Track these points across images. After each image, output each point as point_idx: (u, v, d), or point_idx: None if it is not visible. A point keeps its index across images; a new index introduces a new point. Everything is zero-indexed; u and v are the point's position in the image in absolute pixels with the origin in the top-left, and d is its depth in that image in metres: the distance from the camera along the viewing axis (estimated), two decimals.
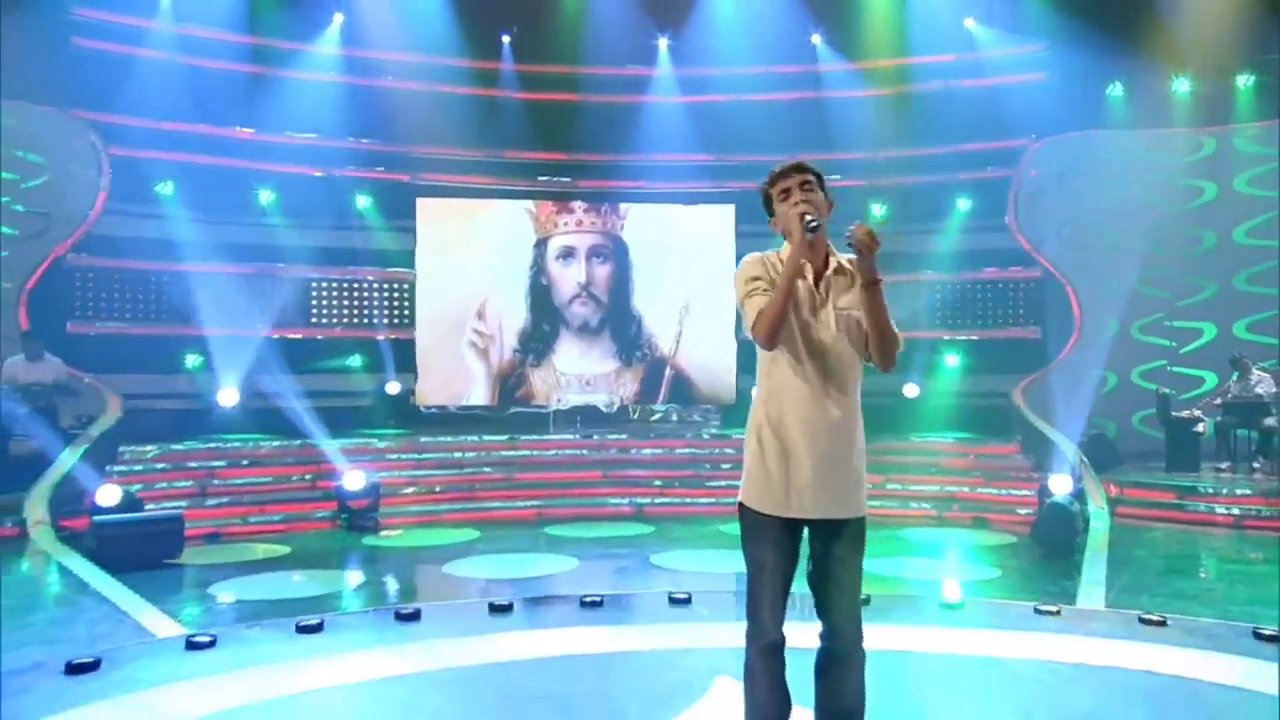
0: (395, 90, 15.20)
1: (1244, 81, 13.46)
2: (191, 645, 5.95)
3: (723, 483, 13.19)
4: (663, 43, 15.71)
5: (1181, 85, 13.78)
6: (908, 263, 15.29)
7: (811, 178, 3.68)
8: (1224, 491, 11.13)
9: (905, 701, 4.99)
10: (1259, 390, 11.88)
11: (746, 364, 15.37)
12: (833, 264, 3.66)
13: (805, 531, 3.72)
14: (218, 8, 14.06)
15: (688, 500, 12.96)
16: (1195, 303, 13.93)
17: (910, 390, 14.46)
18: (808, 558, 3.74)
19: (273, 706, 4.91)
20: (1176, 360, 13.92)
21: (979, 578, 9.44)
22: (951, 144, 14.97)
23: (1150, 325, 14.13)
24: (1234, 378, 12.21)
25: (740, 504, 3.76)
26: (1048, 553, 10.01)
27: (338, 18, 14.70)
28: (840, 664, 3.67)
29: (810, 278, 3.62)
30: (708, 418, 16.10)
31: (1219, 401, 12.20)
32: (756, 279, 3.61)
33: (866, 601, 6.55)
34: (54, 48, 13.05)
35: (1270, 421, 11.84)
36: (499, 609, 6.79)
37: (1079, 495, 11.12)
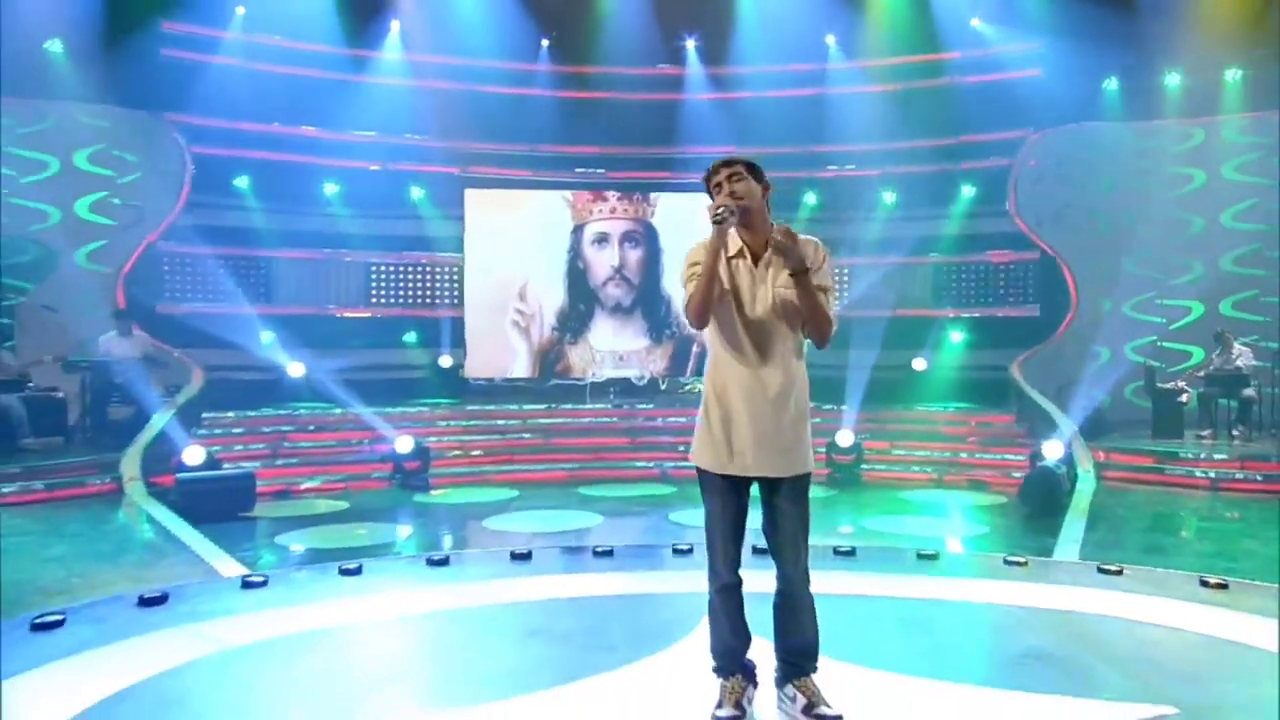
0: (446, 91, 15.29)
1: (1232, 76, 13.41)
2: (247, 584, 6.13)
3: None
4: (690, 44, 15.69)
5: (1173, 79, 13.76)
6: (916, 246, 15.51)
7: (740, 169, 3.75)
8: (1202, 456, 11.15)
9: (868, 638, 5.01)
10: (1239, 363, 11.95)
11: None
12: (774, 234, 3.71)
13: (755, 487, 3.84)
14: (286, 19, 14.24)
15: None
16: (1184, 282, 13.93)
17: (918, 364, 14.50)
18: (767, 519, 3.85)
19: (311, 637, 5.05)
20: (1166, 336, 13.91)
21: (968, 534, 9.52)
22: (956, 135, 15.01)
23: (1142, 303, 14.12)
24: (1217, 351, 12.23)
25: (695, 465, 3.90)
26: (1034, 512, 10.02)
27: (395, 25, 14.86)
28: (790, 606, 3.77)
29: (749, 259, 3.74)
30: None
31: (1202, 374, 12.22)
32: (695, 264, 3.73)
33: (852, 553, 6.80)
34: (144, 58, 13.25)
35: (1248, 392, 11.92)
36: (519, 556, 6.86)
37: (1068, 460, 11.08)
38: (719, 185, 3.70)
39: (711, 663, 3.77)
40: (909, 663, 4.49)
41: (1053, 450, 11.03)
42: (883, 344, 14.70)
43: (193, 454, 10.12)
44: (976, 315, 15.20)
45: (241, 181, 14.51)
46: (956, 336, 14.90)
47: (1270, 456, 10.76)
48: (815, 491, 12.77)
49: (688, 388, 15.94)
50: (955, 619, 5.52)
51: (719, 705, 3.65)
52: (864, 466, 12.27)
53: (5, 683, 4.24)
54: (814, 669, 3.75)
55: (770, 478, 3.75)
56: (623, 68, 15.62)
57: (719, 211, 3.51)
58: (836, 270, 16.15)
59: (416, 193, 15.47)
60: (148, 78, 13.34)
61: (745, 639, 3.78)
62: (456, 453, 12.77)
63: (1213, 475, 10.79)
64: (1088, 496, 10.36)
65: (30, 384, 11.44)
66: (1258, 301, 13.37)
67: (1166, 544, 8.59)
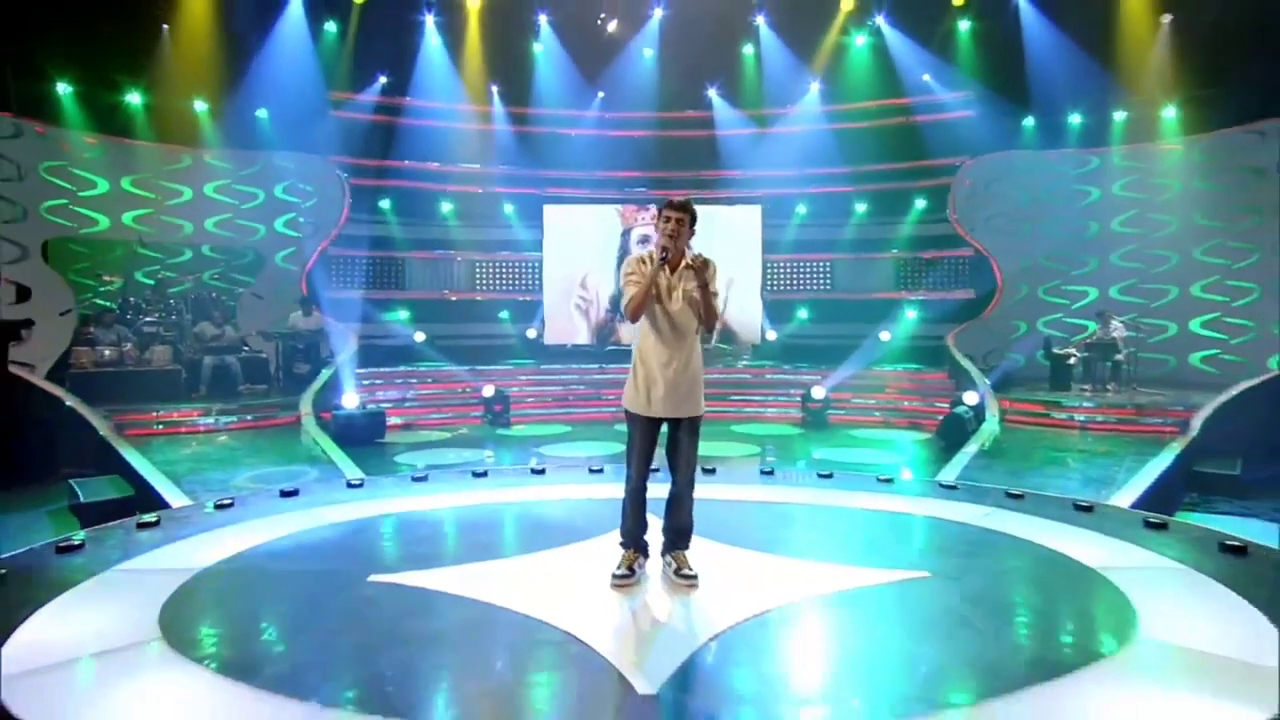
0: (530, 134, 15.40)
1: (1118, 116, 13.27)
2: (350, 485, 6.25)
3: (741, 398, 13.27)
4: (712, 91, 15.63)
5: (1075, 119, 13.62)
6: (882, 245, 15.52)
7: (684, 218, 3.96)
8: (1077, 404, 11.08)
9: (749, 529, 4.94)
10: (1114, 335, 11.90)
11: (771, 320, 15.69)
12: (686, 261, 3.97)
13: (664, 426, 4.07)
14: (415, 84, 14.49)
15: (719, 410, 12.51)
16: (1083, 273, 13.85)
17: (884, 335, 14.36)
18: (664, 441, 4.12)
19: (385, 519, 5.18)
20: (1069, 314, 13.80)
21: (887, 461, 9.42)
22: (910, 160, 14.91)
23: (1051, 289, 14.06)
24: (1099, 325, 12.13)
25: (624, 408, 4.12)
26: (946, 445, 9.97)
27: (494, 88, 15.07)
28: (676, 502, 4.01)
29: (669, 270, 3.95)
30: (739, 353, 15.65)
31: (1086, 342, 12.13)
32: (631, 274, 3.94)
33: (830, 476, 6.62)
34: (318, 118, 13.85)
35: (1119, 357, 11.87)
36: (537, 471, 6.82)
37: (980, 407, 11.01)
38: (668, 219, 3.93)
39: (619, 539, 4.04)
40: (767, 545, 4.54)
41: (969, 399, 10.96)
42: (855, 319, 14.82)
43: (348, 399, 10.44)
44: (925, 298, 15.14)
45: (384, 203, 14.98)
46: (911, 314, 14.82)
47: (1126, 405, 10.73)
48: (790, 430, 13.29)
49: (708, 348, 16.00)
50: (830, 519, 5.36)
51: (618, 566, 3.92)
52: (830, 412, 12.50)
53: (194, 538, 4.60)
54: (686, 545, 4.00)
55: (673, 418, 4.02)
56: (660, 113, 15.58)
57: (664, 252, 3.87)
58: (824, 265, 16.54)
59: (508, 209, 15.66)
60: (320, 131, 13.85)
61: (643, 526, 4.02)
62: (531, 399, 12.97)
63: (1081, 419, 10.67)
64: (985, 434, 10.28)
65: (245, 349, 11.92)
66: (1137, 287, 13.32)
67: (1024, 468, 8.47)
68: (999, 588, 3.94)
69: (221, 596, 3.71)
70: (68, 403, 8.89)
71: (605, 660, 2.99)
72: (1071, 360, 12.21)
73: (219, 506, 5.26)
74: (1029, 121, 14.12)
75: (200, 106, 12.92)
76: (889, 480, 6.41)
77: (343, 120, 14.28)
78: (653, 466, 4.08)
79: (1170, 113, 12.78)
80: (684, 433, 4.02)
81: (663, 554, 4.04)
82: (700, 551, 4.10)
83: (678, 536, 3.99)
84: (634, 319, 3.97)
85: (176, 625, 3.25)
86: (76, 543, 4.24)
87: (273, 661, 3.00)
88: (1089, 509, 5.31)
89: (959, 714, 2.62)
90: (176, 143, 12.77)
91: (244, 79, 12.85)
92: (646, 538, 4.04)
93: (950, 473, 8.20)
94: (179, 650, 3.02)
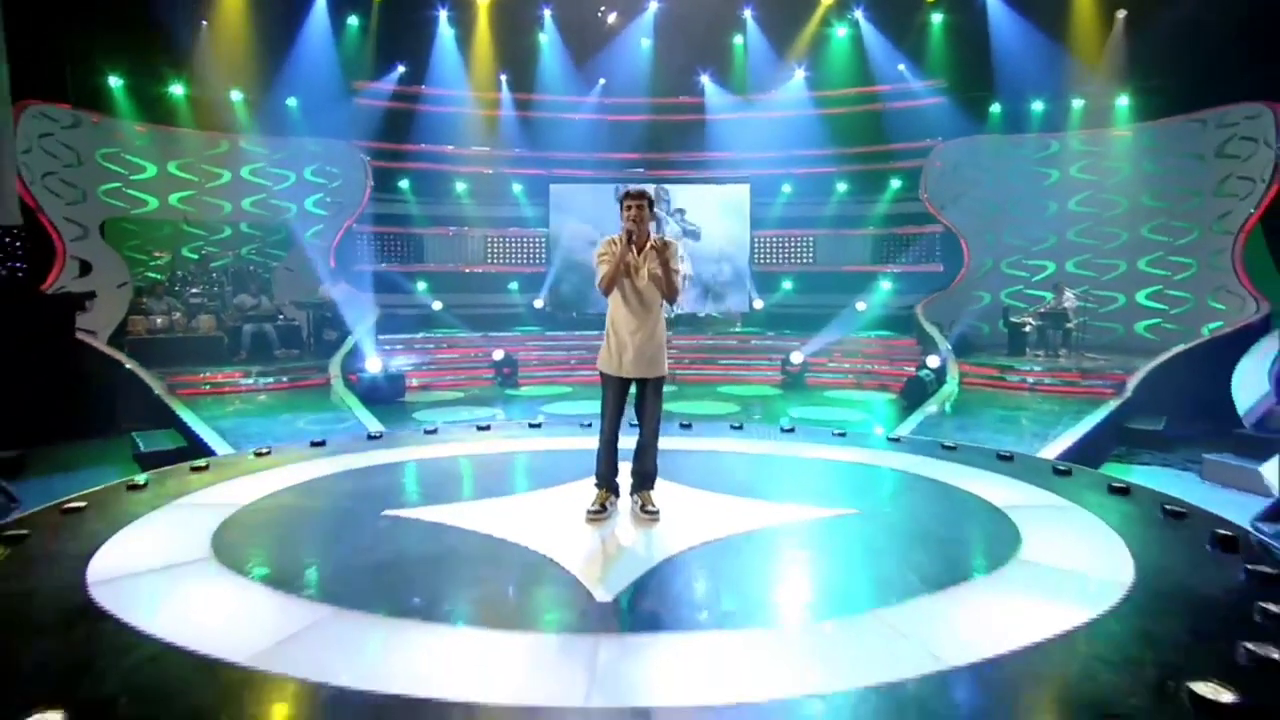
0: (535, 118, 15.49)
1: (1076, 104, 13.27)
2: (370, 437, 6.52)
3: (728, 361, 13.32)
4: (704, 78, 15.61)
5: (1037, 106, 13.62)
6: (860, 222, 15.60)
7: (643, 203, 4.07)
8: (1027, 368, 11.16)
9: (721, 475, 5.19)
10: (1065, 306, 12.00)
11: (759, 290, 15.85)
12: (650, 242, 4.09)
13: (633, 386, 4.24)
14: (430, 72, 14.63)
15: (707, 372, 13.03)
16: (1043, 248, 13.96)
17: (860, 305, 14.45)
18: (634, 399, 4.30)
19: (398, 465, 5.42)
20: (1030, 286, 13.88)
21: (854, 418, 9.62)
22: (886, 144, 14.93)
23: (1013, 263, 14.18)
24: (1053, 297, 12.25)
25: (599, 370, 4.29)
26: (908, 405, 10.21)
27: (503, 77, 15.06)
28: (642, 449, 4.22)
29: (634, 249, 4.08)
30: (731, 321, 15.63)
31: (1041, 311, 12.19)
32: (603, 254, 4.09)
33: (792, 430, 6.76)
34: (344, 105, 13.95)
35: (1070, 325, 11.99)
36: (534, 425, 7.00)
37: (942, 370, 11.17)
38: (629, 207, 4.05)
39: (594, 480, 4.29)
40: (725, 488, 4.77)
41: (931, 363, 11.13)
42: (834, 290, 14.93)
43: (373, 363, 10.59)
44: (898, 271, 15.25)
45: (403, 183, 15.10)
46: (885, 286, 14.94)
47: (1072, 369, 10.91)
48: (770, 391, 13.46)
49: (703, 316, 15.77)
50: (784, 466, 5.52)
51: (592, 503, 4.20)
52: (807, 375, 12.78)
53: (237, 480, 4.86)
54: (651, 486, 4.24)
55: (640, 378, 4.20)
56: (656, 98, 15.64)
57: (629, 233, 4.01)
58: (808, 240, 16.60)
59: (517, 188, 15.78)
60: (346, 118, 13.98)
61: (614, 470, 4.27)
62: (536, 362, 13.03)
63: (1031, 381, 10.80)
64: (947, 395, 10.43)
65: (280, 317, 12.17)
66: (1090, 262, 13.43)
67: (973, 424, 8.68)
68: (913, 521, 4.30)
69: (260, 525, 4.10)
70: (127, 365, 9.24)
71: (573, 576, 3.37)
72: (1026, 328, 12.29)
73: (258, 454, 5.58)
74: (995, 108, 14.09)
75: (236, 96, 13.12)
76: (842, 434, 6.58)
77: (365, 107, 14.35)
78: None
79: (1123, 101, 12.83)
80: (649, 391, 4.22)
81: (631, 493, 4.29)
82: (665, 492, 4.41)
83: (643, 479, 4.24)
84: (606, 293, 4.13)
85: (224, 547, 3.66)
86: (142, 483, 4.67)
87: (301, 575, 3.40)
88: (1009, 458, 5.60)
89: (858, 619, 2.99)
90: (216, 130, 12.98)
91: (275, 71, 12.99)
92: (617, 480, 4.29)
93: (905, 429, 8.40)
94: (226, 565, 3.43)
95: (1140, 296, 12.99)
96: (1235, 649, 2.57)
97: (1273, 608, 2.82)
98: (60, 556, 3.41)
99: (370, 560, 3.58)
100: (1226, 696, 2.26)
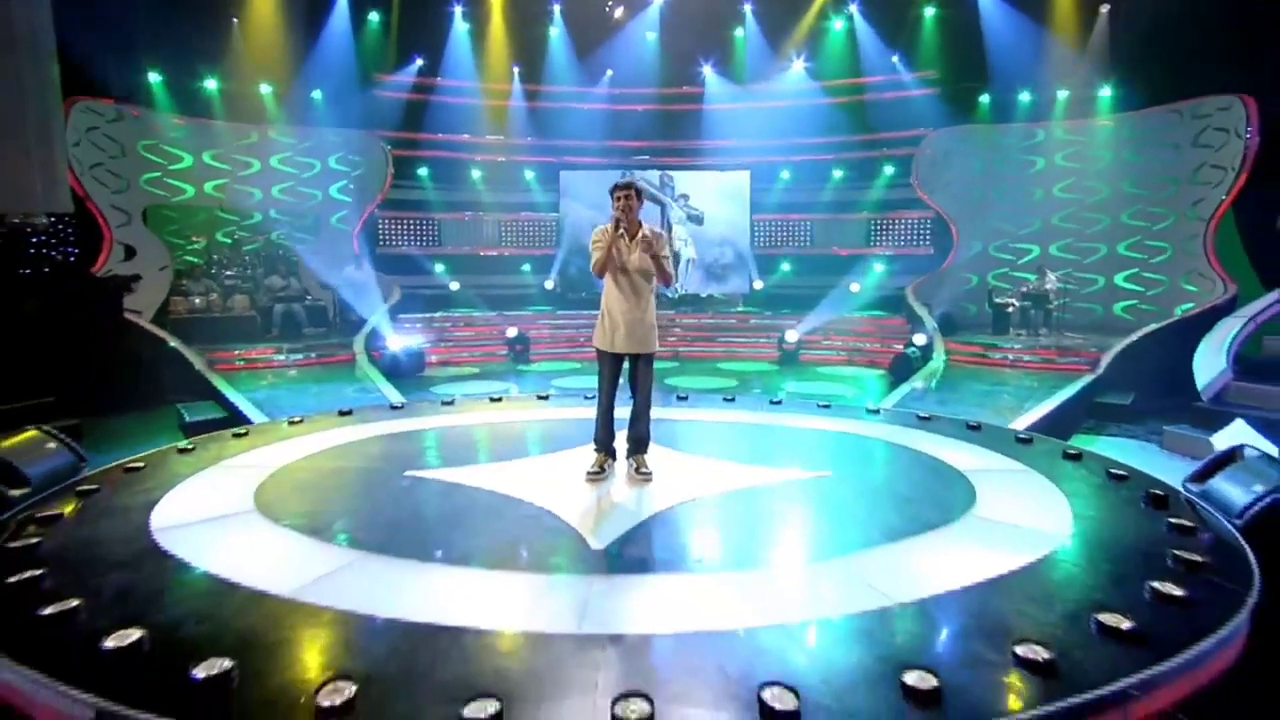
0: (546, 108, 15.66)
1: (1061, 94, 13.26)
2: (392, 407, 6.64)
3: (727, 339, 13.53)
4: (706, 68, 15.69)
5: (1024, 96, 13.62)
6: (854, 207, 15.69)
7: (632, 193, 4.17)
8: (1006, 345, 11.35)
9: (711, 442, 5.44)
10: (1047, 287, 12.12)
11: (759, 272, 15.92)
12: (642, 232, 4.19)
13: (626, 361, 4.40)
14: (446, 65, 14.74)
15: (708, 349, 13.35)
16: (1028, 232, 14.04)
17: (854, 287, 14.46)
18: (627, 372, 4.47)
19: (418, 432, 5.62)
20: (1015, 268, 13.96)
21: (840, 393, 9.77)
22: (880, 132, 15.00)
23: (1000, 246, 14.25)
24: (1036, 279, 12.38)
25: (595, 346, 4.45)
26: (895, 380, 10.36)
27: (515, 70, 15.24)
28: (636, 416, 4.41)
29: (626, 236, 4.20)
30: (733, 301, 15.71)
31: (1024, 292, 12.30)
32: (597, 241, 4.22)
33: (779, 403, 6.85)
34: (364, 97, 14.08)
35: (1051, 307, 12.11)
36: (542, 398, 7.12)
37: (928, 348, 11.34)
38: (619, 198, 4.16)
39: (594, 445, 4.48)
40: (713, 453, 4.94)
41: (918, 340, 11.33)
42: (830, 272, 15.00)
43: (394, 341, 10.86)
44: (890, 253, 15.33)
45: (422, 171, 15.27)
46: (878, 268, 15.01)
47: (1051, 346, 11.06)
48: (767, 367, 13.68)
49: (707, 296, 15.88)
50: (769, 434, 5.67)
51: (591, 465, 4.39)
52: (802, 352, 12.96)
53: (274, 445, 5.04)
54: (644, 451, 4.42)
55: (632, 354, 4.36)
56: (661, 89, 15.77)
57: (618, 221, 4.14)
58: (805, 224, 16.64)
59: (529, 175, 15.92)
60: (367, 109, 14.14)
61: (611, 435, 4.46)
62: (547, 339, 13.29)
63: (1012, 358, 10.97)
64: (932, 371, 10.56)
65: (308, 297, 12.52)
66: (1073, 246, 13.51)
67: (953, 398, 8.90)
68: (881, 483, 4.54)
69: (296, 483, 4.36)
70: (171, 343, 9.56)
71: (572, 527, 3.63)
72: (1010, 309, 12.45)
73: (291, 423, 5.82)
74: (983, 99, 14.08)
75: (265, 89, 13.32)
76: (826, 406, 6.69)
77: (385, 99, 14.48)
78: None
79: (1105, 92, 12.83)
80: (641, 365, 4.39)
81: (627, 457, 4.48)
82: (658, 456, 4.61)
83: (637, 444, 4.44)
84: (599, 276, 4.30)
85: (265, 501, 3.94)
86: (190, 447, 4.98)
87: (333, 525, 3.67)
88: (977, 428, 5.72)
89: (821, 564, 3.25)
90: (246, 121, 13.22)
91: (301, 65, 13.18)
92: (614, 445, 4.50)
93: (889, 401, 8.56)
94: (267, 516, 3.71)
95: (1119, 279, 13.10)
96: (1143, 588, 2.82)
97: (1182, 554, 3.07)
98: (126, 508, 3.72)
99: (394, 513, 3.87)
100: (1126, 624, 2.52)
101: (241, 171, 13.31)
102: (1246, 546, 3.12)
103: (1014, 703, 2.19)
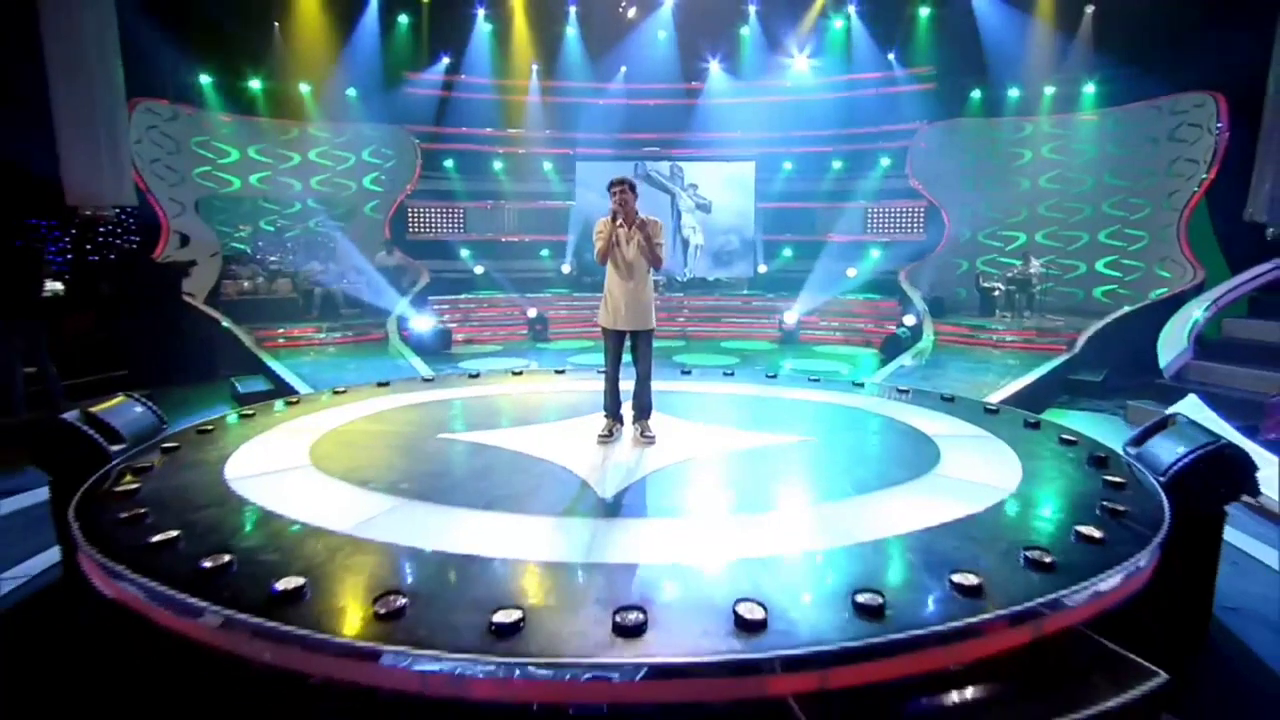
0: (563, 103, 15.80)
1: (1048, 90, 13.25)
2: (424, 380, 6.82)
3: (731, 319, 13.78)
4: (713, 64, 15.82)
5: (1013, 92, 13.62)
6: (854, 195, 15.76)
7: (626, 188, 4.38)
8: (991, 326, 11.54)
9: (709, 410, 5.60)
10: (1031, 272, 12.24)
11: (763, 257, 16.16)
12: (637, 220, 4.42)
13: (627, 338, 4.64)
14: (470, 63, 14.91)
15: (713, 329, 13.59)
16: (1015, 221, 14.13)
17: (850, 272, 14.71)
18: (629, 348, 4.69)
19: (448, 401, 5.88)
20: (1004, 254, 14.06)
21: (835, 369, 10.04)
22: (877, 125, 15.07)
23: (989, 234, 14.35)
24: (1020, 264, 12.50)
25: (599, 325, 4.70)
26: (885, 358, 10.64)
27: (534, 66, 15.35)
28: (639, 388, 4.66)
29: (624, 226, 4.45)
30: (738, 283, 15.95)
31: (1009, 277, 12.43)
32: (600, 231, 4.47)
33: (775, 376, 7.07)
34: (395, 94, 14.31)
35: (1034, 290, 12.26)
36: (559, 372, 7.26)
37: (917, 328, 11.63)
38: (616, 192, 4.40)
39: (603, 412, 4.76)
40: (710, 420, 5.23)
41: (907, 321, 11.63)
42: (829, 257, 15.21)
43: (422, 320, 11.10)
44: (886, 240, 15.47)
45: (448, 163, 15.49)
46: (875, 254, 15.16)
47: (1032, 328, 11.25)
48: (768, 346, 13.93)
49: (714, 279, 16.00)
50: (761, 404, 5.90)
51: (601, 429, 4.67)
52: (801, 332, 13.31)
53: (322, 411, 5.25)
54: (647, 417, 4.68)
55: (632, 330, 4.60)
56: (671, 84, 15.87)
57: (616, 213, 4.38)
58: (805, 212, 16.52)
59: (547, 165, 16.10)
60: (398, 105, 14.38)
61: (617, 403, 4.74)
62: (565, 319, 13.50)
63: (995, 338, 11.21)
64: (921, 350, 10.77)
65: (345, 281, 12.77)
66: (1057, 234, 13.58)
67: (938, 374, 9.10)
68: (858, 446, 4.80)
69: (344, 443, 4.69)
70: (224, 323, 9.94)
71: (583, 480, 3.97)
72: (996, 293, 12.65)
73: (336, 392, 6.10)
74: (975, 94, 14.11)
75: (304, 88, 13.60)
76: (816, 380, 6.85)
77: (414, 95, 14.70)
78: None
79: (1090, 89, 12.84)
80: (640, 341, 4.64)
81: (633, 422, 4.76)
82: (661, 422, 4.90)
83: (641, 410, 4.72)
84: (601, 262, 4.57)
85: (318, 457, 4.29)
86: (251, 413, 5.35)
87: (377, 477, 3.99)
88: (951, 400, 5.89)
89: (797, 511, 3.56)
90: (287, 118, 13.52)
91: (336, 65, 13.44)
92: (622, 411, 4.79)
93: (879, 377, 8.80)
94: (320, 470, 4.07)
95: (1099, 265, 13.19)
96: (1070, 531, 3.13)
97: (1109, 504, 3.37)
98: (203, 462, 4.10)
99: (429, 468, 4.21)
100: (1048, 559, 2.83)
101: (283, 164, 13.65)
102: (1165, 497, 3.40)
103: (944, 616, 2.52)
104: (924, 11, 13.99)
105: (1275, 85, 8.82)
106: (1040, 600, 2.58)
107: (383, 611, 2.46)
